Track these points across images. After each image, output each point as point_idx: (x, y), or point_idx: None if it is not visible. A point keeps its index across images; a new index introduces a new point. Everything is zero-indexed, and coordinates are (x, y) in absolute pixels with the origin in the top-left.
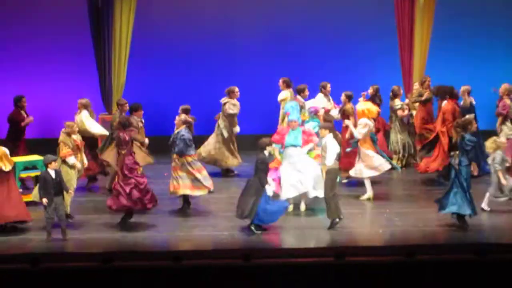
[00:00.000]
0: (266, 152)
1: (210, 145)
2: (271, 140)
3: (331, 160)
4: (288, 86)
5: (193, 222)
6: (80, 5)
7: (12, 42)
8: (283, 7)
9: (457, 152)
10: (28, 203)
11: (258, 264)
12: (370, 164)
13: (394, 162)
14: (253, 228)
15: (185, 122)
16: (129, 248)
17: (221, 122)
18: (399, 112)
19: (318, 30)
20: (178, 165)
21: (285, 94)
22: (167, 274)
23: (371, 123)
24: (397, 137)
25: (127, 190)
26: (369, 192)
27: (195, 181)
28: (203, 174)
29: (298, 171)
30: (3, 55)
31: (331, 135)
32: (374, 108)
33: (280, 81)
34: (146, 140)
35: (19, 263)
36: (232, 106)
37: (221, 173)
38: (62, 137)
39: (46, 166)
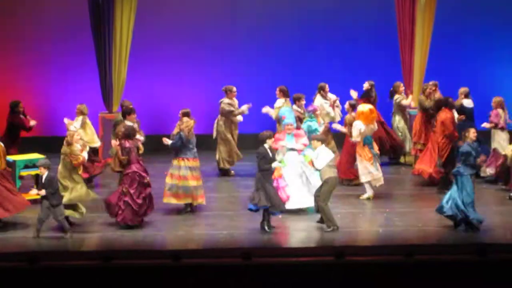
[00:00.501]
0: (266, 145)
1: (223, 153)
2: (275, 147)
3: (320, 164)
4: (285, 95)
5: (193, 221)
6: (81, 3)
7: (13, 39)
8: (284, 8)
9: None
10: (29, 201)
11: (257, 263)
12: (364, 170)
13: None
14: (266, 227)
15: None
16: (128, 247)
17: (221, 124)
18: (403, 102)
19: (318, 29)
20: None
21: (279, 103)
22: (167, 272)
23: (363, 127)
24: (397, 133)
25: (135, 206)
26: (369, 192)
27: (184, 188)
28: (191, 184)
29: (305, 181)
30: (2, 54)
31: (323, 146)
32: (373, 115)
33: (277, 89)
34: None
35: (18, 261)
36: (227, 104)
37: (220, 172)
38: (68, 149)
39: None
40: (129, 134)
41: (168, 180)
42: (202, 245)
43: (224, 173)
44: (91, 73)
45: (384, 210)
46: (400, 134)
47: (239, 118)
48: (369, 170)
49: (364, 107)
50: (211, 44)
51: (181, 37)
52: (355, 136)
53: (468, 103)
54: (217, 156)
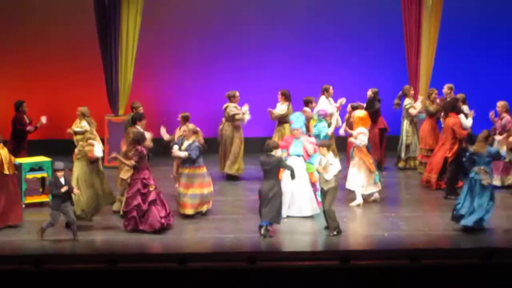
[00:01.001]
0: (272, 154)
1: (231, 159)
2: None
3: (330, 175)
4: (286, 98)
5: (198, 224)
6: (87, 6)
7: (18, 43)
8: (289, 11)
9: (482, 167)
10: (34, 204)
11: (263, 267)
12: (359, 178)
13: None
14: (263, 232)
15: (195, 131)
16: (134, 250)
17: (226, 129)
18: (410, 111)
19: (324, 32)
20: (187, 179)
21: (283, 108)
22: (172, 276)
23: (367, 132)
24: (403, 138)
25: (134, 213)
26: (359, 199)
27: (203, 196)
28: (209, 190)
29: (310, 188)
30: (9, 55)
31: (331, 154)
32: (368, 118)
33: (279, 93)
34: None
35: (23, 264)
36: (234, 108)
37: (226, 176)
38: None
39: (54, 172)
40: (139, 140)
41: (192, 193)
42: (207, 248)
43: (230, 177)
44: (97, 76)
45: (390, 214)
46: (407, 138)
47: (246, 117)
48: (362, 183)
49: (361, 113)
50: (216, 47)
51: (186, 40)
52: (364, 142)
53: (464, 109)
54: (221, 160)
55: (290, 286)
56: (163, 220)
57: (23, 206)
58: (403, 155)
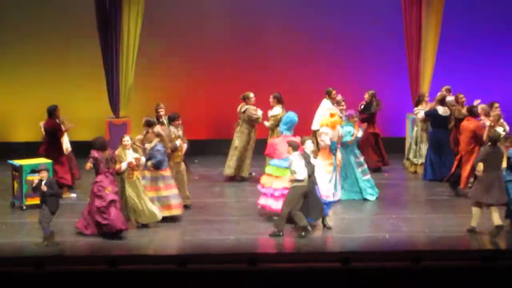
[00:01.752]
0: (296, 153)
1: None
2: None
3: (301, 174)
4: (279, 101)
5: (199, 226)
6: (88, 8)
7: (19, 45)
8: (289, 14)
9: None
10: (35, 206)
11: (263, 268)
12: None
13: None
14: (326, 223)
15: (158, 135)
16: (134, 252)
17: (243, 131)
18: (419, 116)
19: (325, 35)
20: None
21: (277, 111)
22: (173, 278)
23: (331, 132)
24: (412, 146)
25: (85, 213)
26: None
27: (163, 199)
28: (172, 192)
29: None
30: (9, 57)
31: (297, 152)
32: (335, 119)
33: (271, 97)
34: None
35: (23, 266)
36: (254, 111)
37: (241, 178)
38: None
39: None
40: (100, 146)
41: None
42: (208, 250)
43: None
44: (98, 78)
45: (391, 215)
46: (415, 142)
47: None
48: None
49: (326, 113)
50: (219, 48)
51: (188, 41)
52: (327, 140)
53: (444, 111)
54: (234, 163)
55: (291, 287)
56: (124, 223)
57: (24, 208)
58: (415, 160)
